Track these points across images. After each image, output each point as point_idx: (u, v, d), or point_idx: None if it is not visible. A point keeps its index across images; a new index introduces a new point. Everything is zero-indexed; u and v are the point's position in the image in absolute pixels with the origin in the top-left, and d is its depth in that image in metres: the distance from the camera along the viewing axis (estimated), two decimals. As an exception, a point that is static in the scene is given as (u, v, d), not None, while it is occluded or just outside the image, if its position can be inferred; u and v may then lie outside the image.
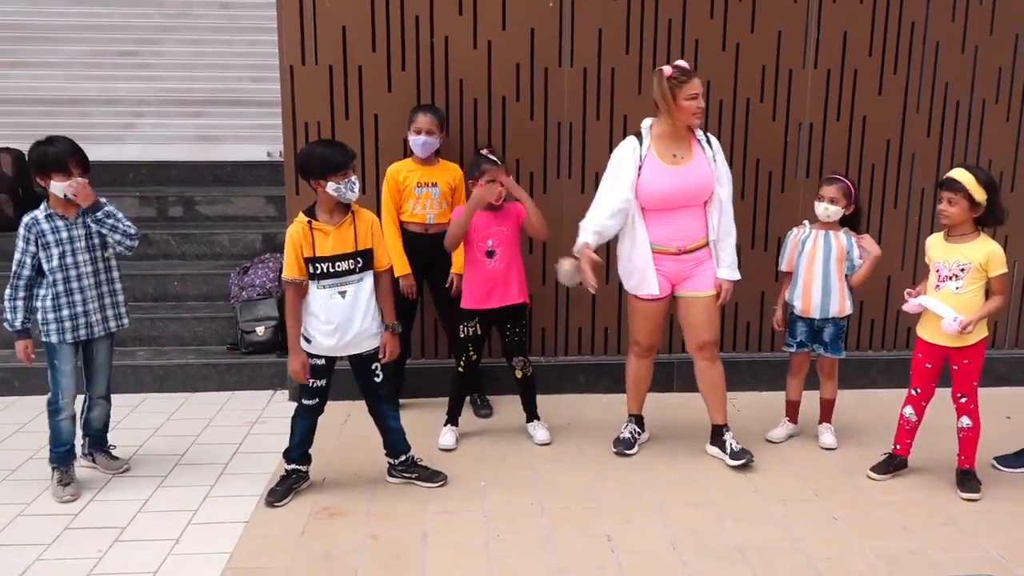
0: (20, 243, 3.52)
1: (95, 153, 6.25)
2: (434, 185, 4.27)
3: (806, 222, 4.10)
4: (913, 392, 3.78)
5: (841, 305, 4.02)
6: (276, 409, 4.71)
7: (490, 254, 3.97)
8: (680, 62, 3.81)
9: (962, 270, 3.55)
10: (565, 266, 3.78)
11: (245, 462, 4.01)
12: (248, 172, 6.70)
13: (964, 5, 4.79)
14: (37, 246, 3.52)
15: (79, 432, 3.81)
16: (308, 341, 3.52)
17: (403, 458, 3.76)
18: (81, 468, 3.82)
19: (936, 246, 3.67)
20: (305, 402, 3.62)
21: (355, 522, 3.43)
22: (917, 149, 4.91)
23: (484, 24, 4.60)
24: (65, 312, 3.58)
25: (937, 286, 3.61)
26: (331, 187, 3.40)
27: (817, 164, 4.85)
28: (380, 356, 3.60)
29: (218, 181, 6.68)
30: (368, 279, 3.54)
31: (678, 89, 3.63)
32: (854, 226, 4.07)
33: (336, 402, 3.89)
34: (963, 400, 3.65)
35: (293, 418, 3.67)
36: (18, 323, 3.55)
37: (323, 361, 3.56)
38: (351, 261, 3.47)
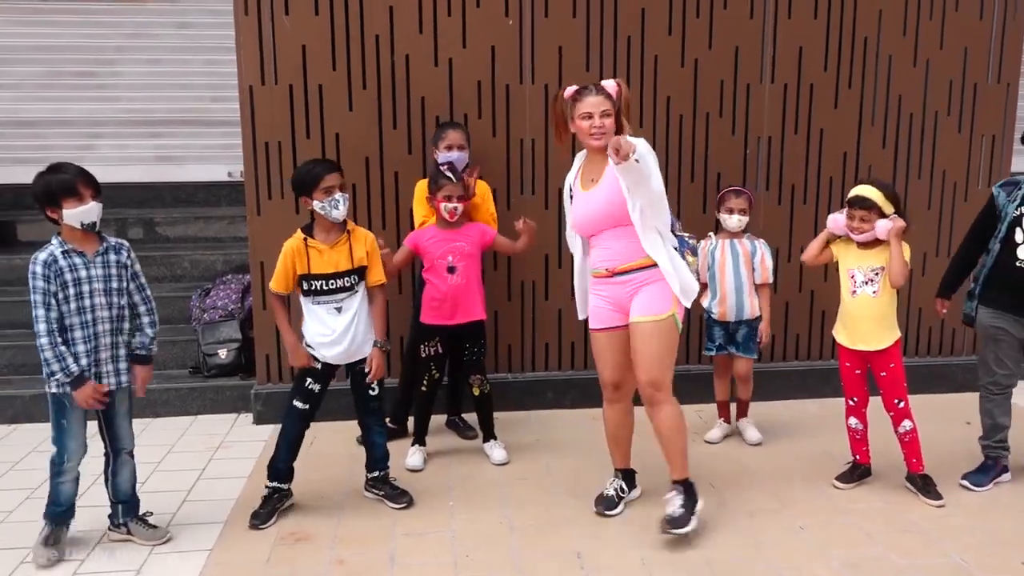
0: (39, 283, 3.09)
1: (50, 175, 6.23)
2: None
3: (711, 234, 4.32)
4: (850, 402, 3.84)
5: (752, 307, 4.23)
6: (240, 433, 4.64)
7: (451, 270, 3.96)
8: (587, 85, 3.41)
9: (876, 274, 3.64)
10: None
11: (209, 488, 3.94)
12: (209, 193, 6.64)
13: (915, 20, 4.91)
14: (57, 285, 3.11)
15: (106, 497, 3.50)
16: (312, 348, 3.57)
17: (376, 473, 3.76)
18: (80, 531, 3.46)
19: (848, 253, 3.72)
20: (297, 404, 3.59)
21: (321, 546, 3.38)
22: (873, 161, 5.01)
23: (445, 42, 4.61)
24: (83, 362, 3.16)
25: (854, 292, 3.69)
26: (316, 205, 3.45)
27: (776, 177, 4.92)
28: (367, 370, 3.61)
29: (178, 202, 6.61)
30: (362, 289, 3.59)
31: (573, 109, 3.36)
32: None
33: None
34: (900, 405, 3.71)
35: (282, 426, 3.63)
36: (74, 367, 3.11)
37: (320, 366, 3.58)
38: (346, 279, 3.53)
